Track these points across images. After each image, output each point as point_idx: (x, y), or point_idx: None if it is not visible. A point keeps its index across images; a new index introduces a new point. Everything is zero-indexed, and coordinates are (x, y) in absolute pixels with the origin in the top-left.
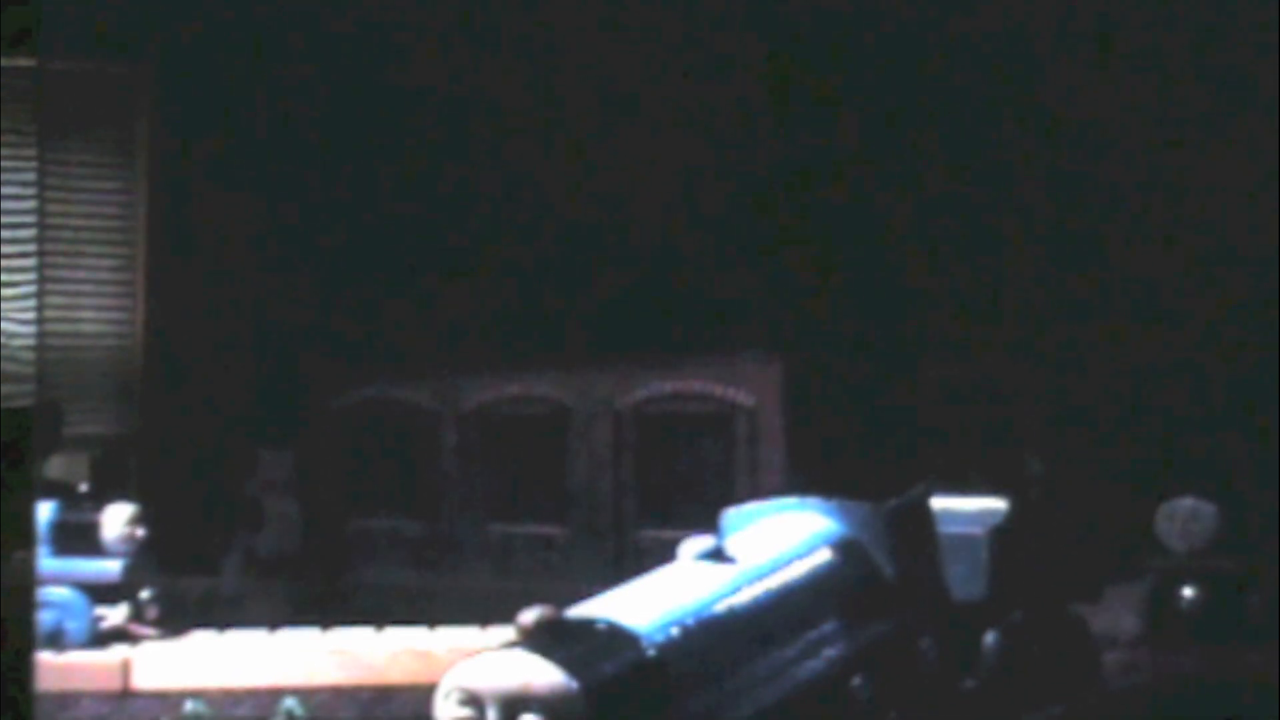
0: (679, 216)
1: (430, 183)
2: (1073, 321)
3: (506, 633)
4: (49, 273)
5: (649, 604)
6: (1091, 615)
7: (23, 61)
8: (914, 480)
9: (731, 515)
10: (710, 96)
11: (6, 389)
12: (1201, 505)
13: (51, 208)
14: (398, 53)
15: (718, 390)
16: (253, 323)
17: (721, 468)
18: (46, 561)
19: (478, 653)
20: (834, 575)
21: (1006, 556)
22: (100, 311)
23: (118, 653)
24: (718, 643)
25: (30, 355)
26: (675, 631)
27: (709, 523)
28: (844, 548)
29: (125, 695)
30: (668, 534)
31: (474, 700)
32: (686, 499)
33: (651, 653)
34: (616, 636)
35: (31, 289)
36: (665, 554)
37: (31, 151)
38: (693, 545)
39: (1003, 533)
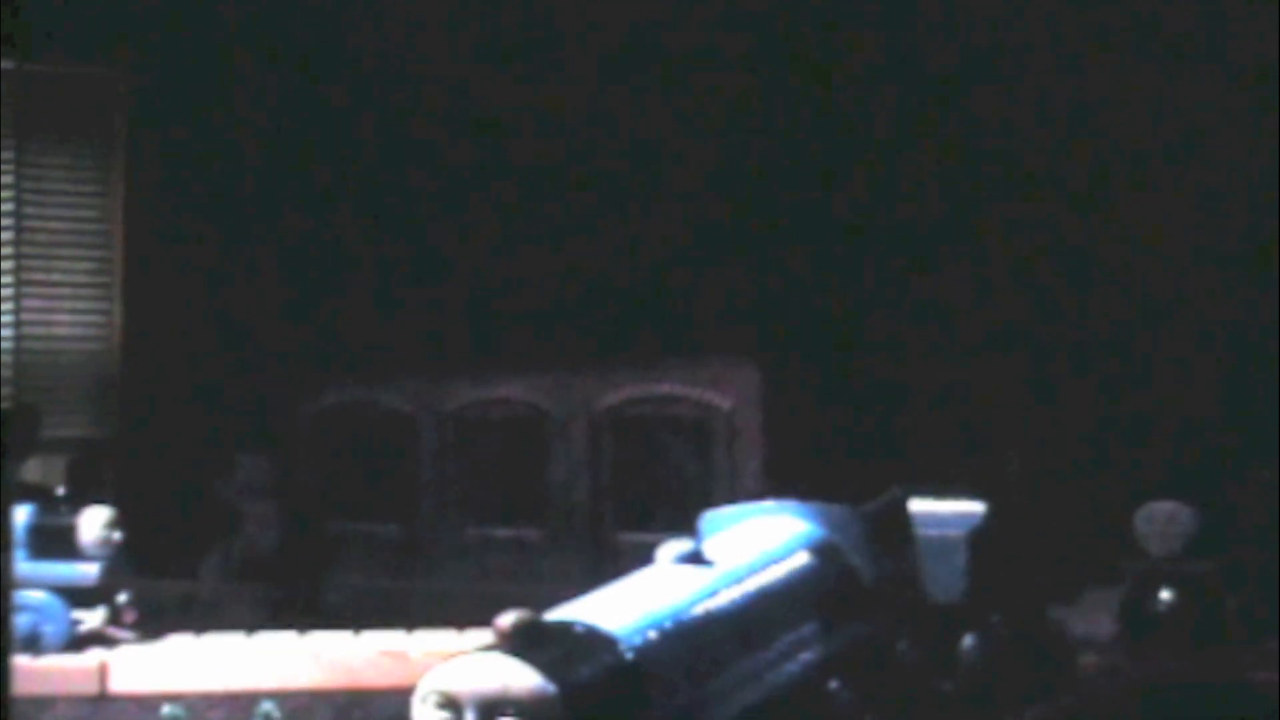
0: (656, 219)
1: (408, 185)
2: (1051, 323)
3: (484, 636)
4: (25, 275)
5: (627, 607)
6: (1070, 618)
7: None
8: (892, 483)
9: (709, 518)
10: (687, 101)
11: None
12: (1180, 508)
13: (28, 210)
14: (376, 56)
15: (695, 393)
16: (230, 326)
17: (699, 471)
18: (23, 565)
19: (455, 656)
20: (812, 578)
21: (985, 559)
22: (77, 314)
23: (94, 656)
24: (696, 646)
25: (6, 358)
26: (653, 634)
27: (687, 526)
28: (822, 550)
29: (102, 699)
30: (645, 537)
31: (452, 703)
32: (664, 502)
33: (629, 656)
34: (594, 639)
35: (8, 291)
36: (643, 557)
37: (8, 154)
38: (671, 548)
39: (981, 535)
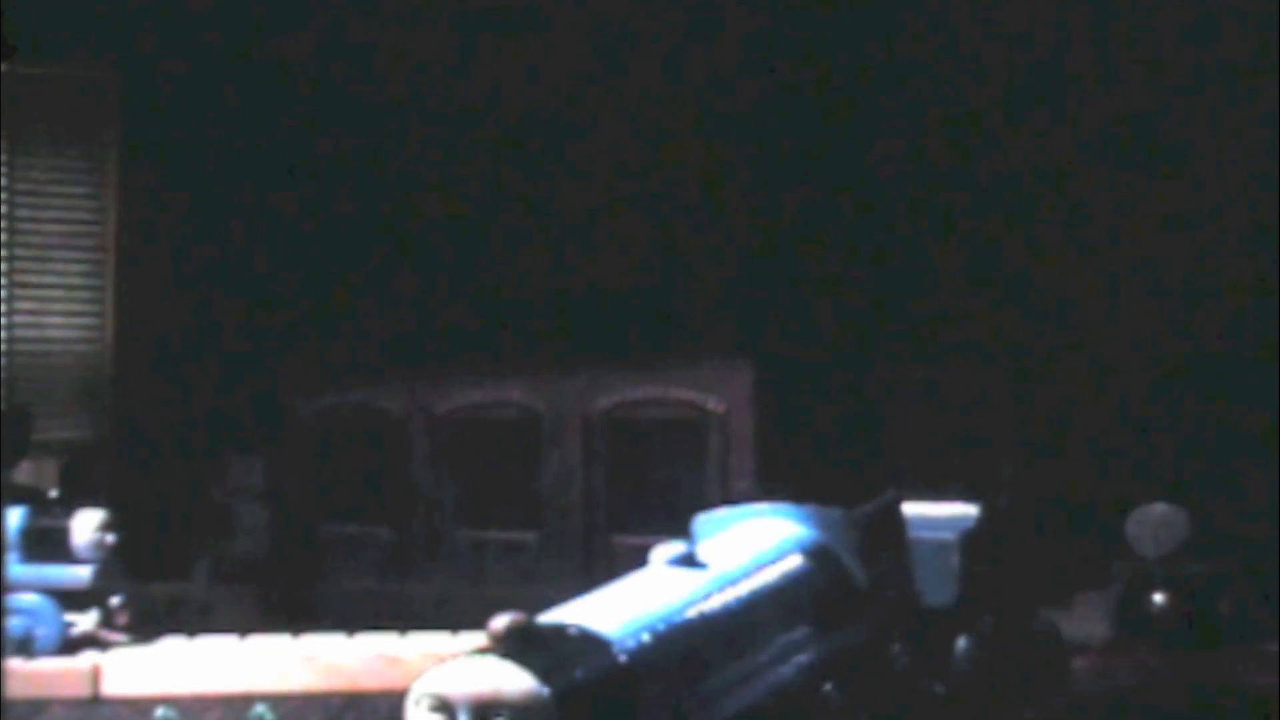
0: (650, 222)
1: (402, 188)
2: (1044, 327)
3: (478, 638)
4: (17, 278)
5: (620, 610)
6: (1062, 620)
7: None
8: (885, 486)
9: (703, 521)
10: (682, 103)
11: None
12: (1172, 511)
13: (20, 212)
14: (367, 58)
15: (689, 396)
16: (223, 328)
17: (692, 473)
18: (16, 568)
19: (449, 658)
20: (805, 581)
21: (977, 562)
22: (69, 317)
23: (87, 659)
24: (689, 648)
25: None
26: (646, 637)
27: (680, 528)
28: (815, 553)
29: (95, 701)
30: (639, 540)
31: (445, 706)
32: (657, 505)
33: (622, 658)
34: (587, 642)
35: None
36: (636, 559)
37: (0, 156)
38: (664, 551)
39: (974, 538)
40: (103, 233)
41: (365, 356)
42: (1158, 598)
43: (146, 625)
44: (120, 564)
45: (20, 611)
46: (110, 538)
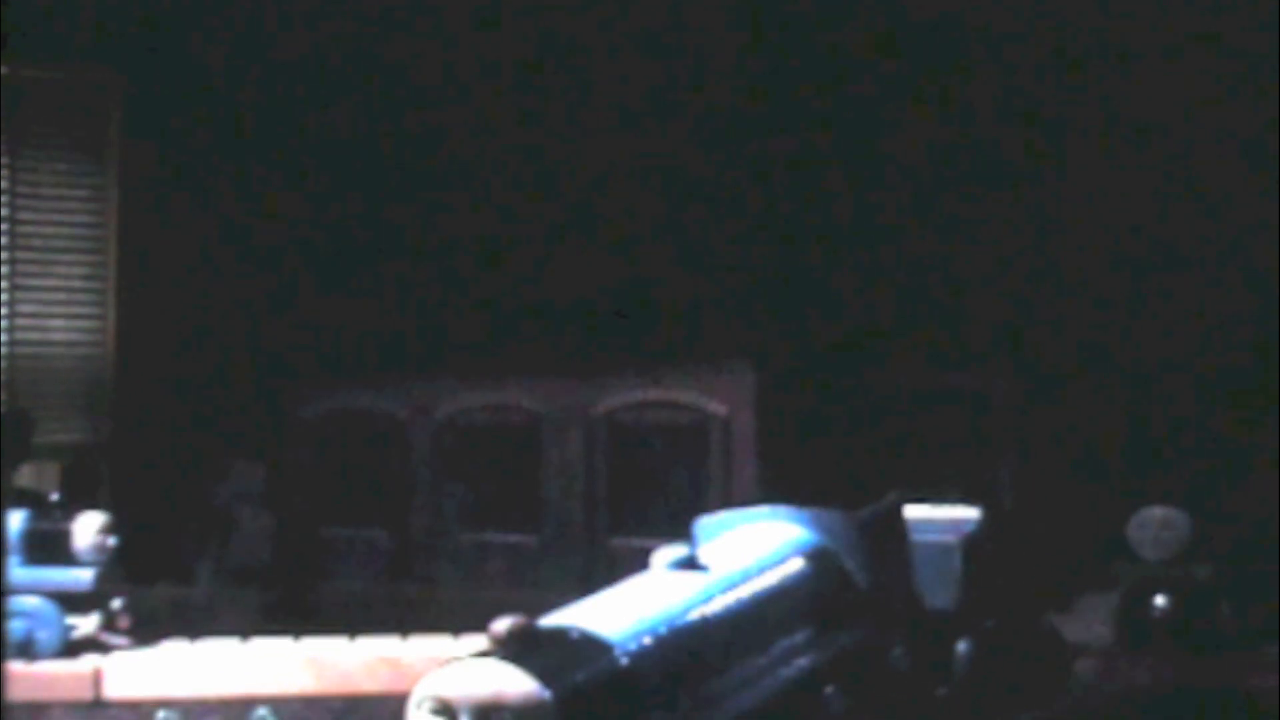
0: (652, 224)
1: (404, 192)
2: (1046, 330)
3: (479, 641)
4: (19, 280)
5: (621, 613)
6: (1064, 624)
7: None
8: (886, 489)
9: (704, 524)
10: (683, 104)
11: None
12: (1174, 513)
13: (21, 215)
14: (369, 59)
15: (691, 399)
16: (224, 331)
17: (694, 476)
18: (17, 571)
19: (450, 661)
20: (806, 584)
21: (979, 565)
22: (71, 319)
23: (89, 662)
24: (690, 651)
25: (0, 363)
26: (648, 640)
27: (682, 531)
28: (816, 556)
29: (96, 705)
30: (640, 542)
31: (446, 709)
32: (659, 507)
33: (624, 661)
34: (589, 645)
35: (2, 297)
36: (638, 562)
37: (2, 159)
38: (665, 554)
39: (975, 541)
40: (104, 235)
41: (367, 360)
42: (1160, 601)
43: (148, 628)
44: (122, 567)
45: (21, 614)
46: (112, 541)
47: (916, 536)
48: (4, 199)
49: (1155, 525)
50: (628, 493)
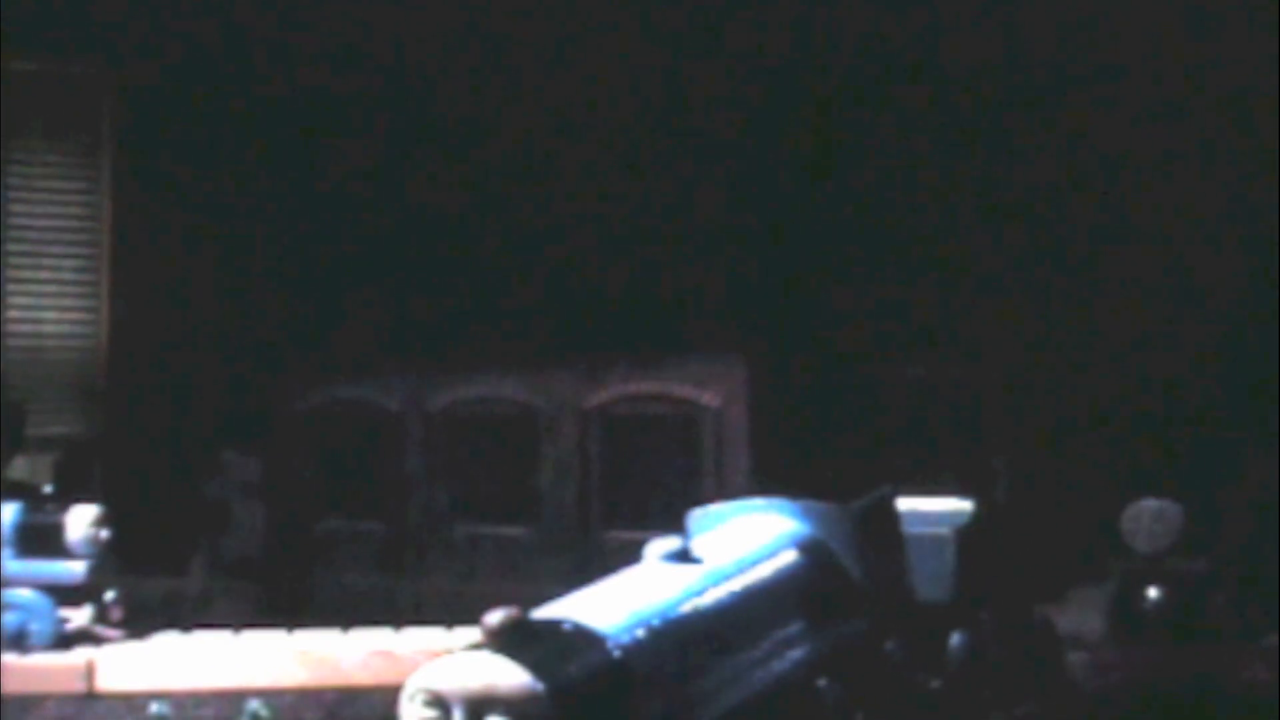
0: (646, 220)
1: (396, 184)
2: (1039, 323)
3: (472, 634)
4: (12, 273)
5: (615, 605)
6: (1057, 615)
7: None
8: (880, 481)
9: (697, 516)
10: (679, 103)
11: None
12: (1166, 506)
13: (15, 208)
14: (361, 54)
15: (684, 391)
16: (218, 324)
17: (687, 469)
18: (10, 563)
19: (443, 654)
20: (800, 576)
21: (972, 557)
22: (64, 312)
23: (82, 654)
24: (683, 644)
25: None
26: (641, 633)
27: (675, 524)
28: (810, 549)
29: (90, 697)
30: (633, 535)
31: (439, 701)
32: (652, 500)
33: (617, 654)
34: (582, 638)
35: None
36: (631, 555)
37: None
38: (658, 546)
39: (968, 534)
40: (97, 228)
41: (361, 353)
42: (1152, 593)
43: (141, 621)
44: (115, 559)
45: (15, 607)
46: (105, 533)
47: (910, 529)
48: None
49: (1148, 518)
50: (621, 485)
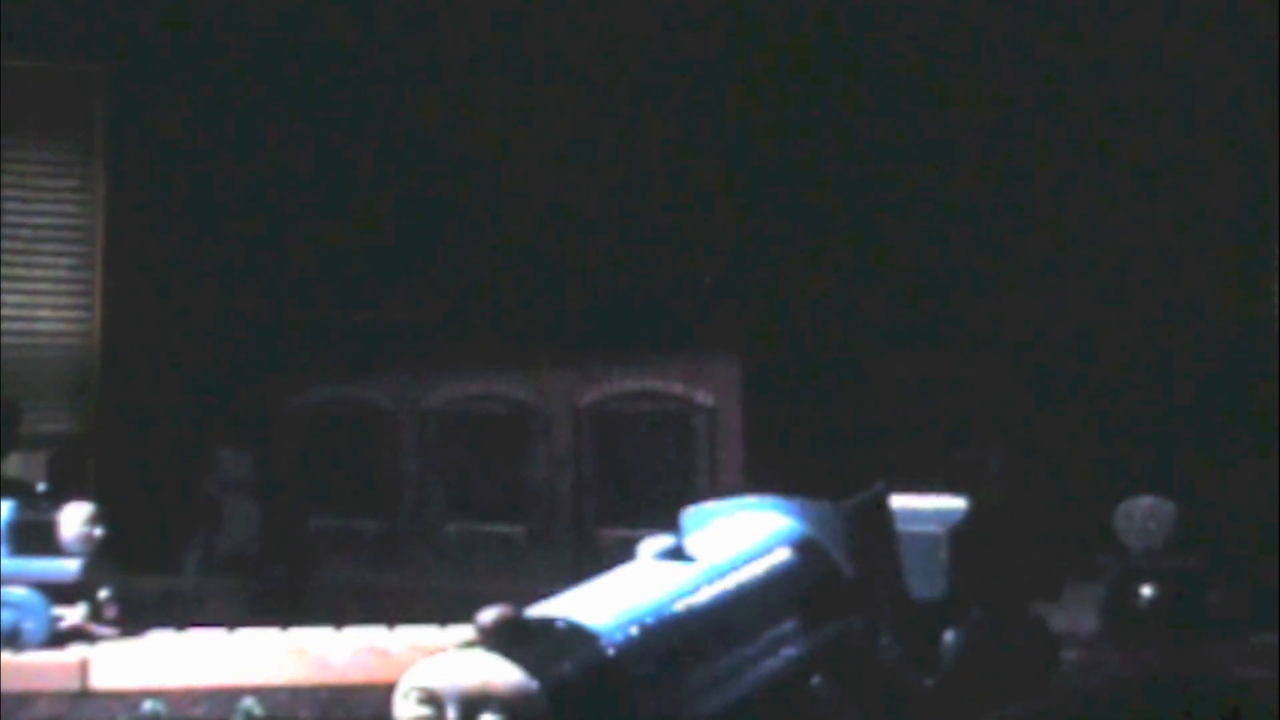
0: (641, 218)
1: (391, 183)
2: (1032, 321)
3: (466, 632)
4: (6, 271)
5: (609, 603)
6: (1051, 613)
7: None
8: (873, 479)
9: (691, 514)
10: (673, 101)
11: None
12: (1160, 503)
13: (9, 206)
14: (358, 53)
15: (677, 389)
16: (211, 322)
17: (681, 466)
18: (4, 561)
19: (437, 652)
20: (793, 574)
21: (966, 555)
22: (58, 310)
23: (76, 652)
24: (677, 642)
25: None
26: (635, 630)
27: (668, 521)
28: (803, 546)
29: (83, 695)
30: (627, 533)
31: (433, 699)
32: (646, 498)
33: (611, 652)
34: (576, 635)
35: None
36: (625, 553)
37: None
38: (652, 544)
39: (962, 531)
40: (91, 226)
41: (355, 350)
42: (1145, 590)
43: (135, 618)
44: (108, 557)
45: (8, 605)
46: (98, 531)
47: (903, 526)
48: None
49: (1142, 515)
50: (614, 483)
